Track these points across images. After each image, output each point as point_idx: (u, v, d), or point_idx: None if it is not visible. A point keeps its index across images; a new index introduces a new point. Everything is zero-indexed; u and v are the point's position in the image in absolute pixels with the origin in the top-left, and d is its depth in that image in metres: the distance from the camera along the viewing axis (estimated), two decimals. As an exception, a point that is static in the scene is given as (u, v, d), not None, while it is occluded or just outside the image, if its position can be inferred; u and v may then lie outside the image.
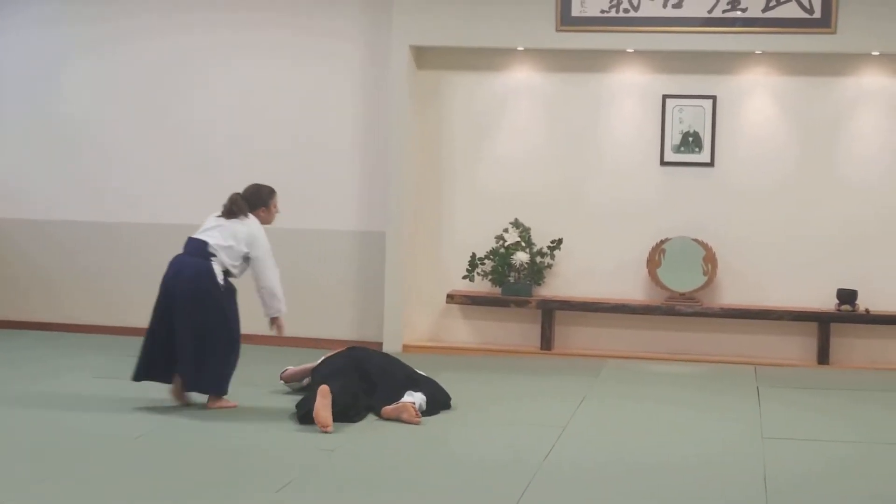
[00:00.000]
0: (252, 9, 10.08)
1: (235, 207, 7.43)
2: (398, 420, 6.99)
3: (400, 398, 7.14)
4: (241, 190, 7.57)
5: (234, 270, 7.37)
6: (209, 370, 7.27)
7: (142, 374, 7.37)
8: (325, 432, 6.66)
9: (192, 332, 7.19)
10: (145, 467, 6.00)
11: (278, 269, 7.49)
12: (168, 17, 10.20)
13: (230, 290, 7.37)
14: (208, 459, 6.19)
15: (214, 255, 7.28)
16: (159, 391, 7.43)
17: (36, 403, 7.36)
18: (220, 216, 7.45)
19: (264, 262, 7.41)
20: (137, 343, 7.46)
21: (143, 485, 5.68)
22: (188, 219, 10.02)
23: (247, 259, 7.39)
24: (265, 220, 7.55)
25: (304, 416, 6.89)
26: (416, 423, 6.94)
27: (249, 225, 7.41)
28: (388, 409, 7.07)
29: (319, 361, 7.69)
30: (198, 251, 7.30)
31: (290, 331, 7.78)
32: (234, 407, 7.32)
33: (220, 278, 7.26)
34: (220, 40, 10.16)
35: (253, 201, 7.52)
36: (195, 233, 7.45)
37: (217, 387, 7.33)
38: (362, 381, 7.26)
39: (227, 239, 7.33)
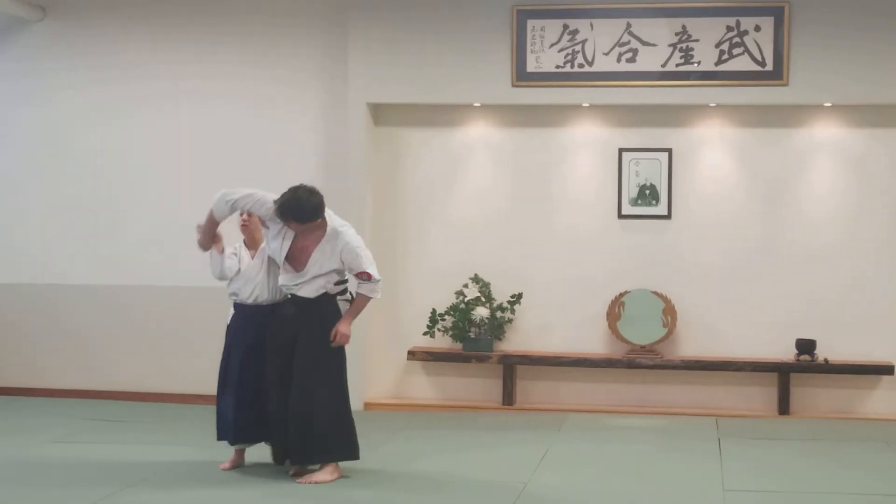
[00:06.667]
0: (210, 61, 10.01)
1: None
2: None
3: None
4: None
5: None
6: None
7: None
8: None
9: None
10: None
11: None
12: (124, 69, 10.11)
13: None
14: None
15: None
16: (121, 454, 7.30)
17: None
18: None
19: None
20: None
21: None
22: (159, 280, 9.98)
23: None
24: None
25: None
26: None
27: None
28: None
29: None
30: None
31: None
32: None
33: None
34: (177, 88, 10.06)
35: None
36: None
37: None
38: None
39: None
